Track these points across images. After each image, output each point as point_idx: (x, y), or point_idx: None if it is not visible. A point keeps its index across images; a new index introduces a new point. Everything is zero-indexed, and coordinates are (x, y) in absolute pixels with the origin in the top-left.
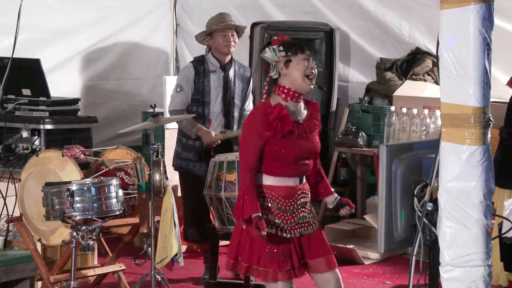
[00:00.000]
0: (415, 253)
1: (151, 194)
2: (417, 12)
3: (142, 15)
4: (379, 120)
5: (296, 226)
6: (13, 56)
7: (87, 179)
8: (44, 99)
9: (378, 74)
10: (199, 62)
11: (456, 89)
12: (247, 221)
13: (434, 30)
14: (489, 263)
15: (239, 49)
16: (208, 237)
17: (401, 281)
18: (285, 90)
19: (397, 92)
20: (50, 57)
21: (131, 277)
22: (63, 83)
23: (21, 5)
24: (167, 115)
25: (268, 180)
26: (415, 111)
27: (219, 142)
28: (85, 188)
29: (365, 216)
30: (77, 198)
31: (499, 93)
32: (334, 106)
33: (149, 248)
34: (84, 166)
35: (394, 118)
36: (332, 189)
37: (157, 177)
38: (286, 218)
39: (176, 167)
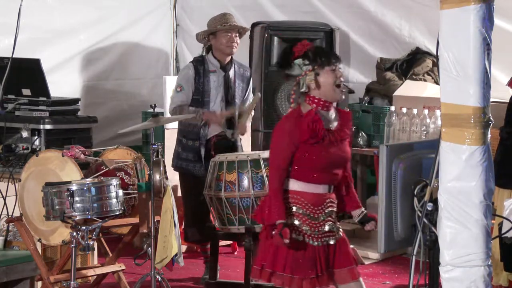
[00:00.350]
0: (415, 253)
1: (151, 194)
2: (417, 12)
3: (142, 15)
4: (379, 120)
5: (323, 235)
6: (13, 56)
7: (87, 179)
8: (44, 99)
9: (378, 74)
10: (199, 62)
11: (456, 89)
12: (272, 226)
13: (434, 30)
14: (489, 263)
15: (239, 49)
16: (208, 237)
17: (401, 281)
18: (316, 100)
19: (397, 92)
20: (50, 57)
21: (131, 277)
22: (63, 83)
23: (21, 5)
24: (167, 115)
25: (297, 185)
26: (415, 111)
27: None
28: (85, 188)
29: None
30: (77, 198)
31: (499, 93)
32: None
33: (149, 248)
34: (84, 166)
35: (394, 118)
36: (360, 204)
37: (157, 177)
38: (314, 225)
39: (176, 167)
